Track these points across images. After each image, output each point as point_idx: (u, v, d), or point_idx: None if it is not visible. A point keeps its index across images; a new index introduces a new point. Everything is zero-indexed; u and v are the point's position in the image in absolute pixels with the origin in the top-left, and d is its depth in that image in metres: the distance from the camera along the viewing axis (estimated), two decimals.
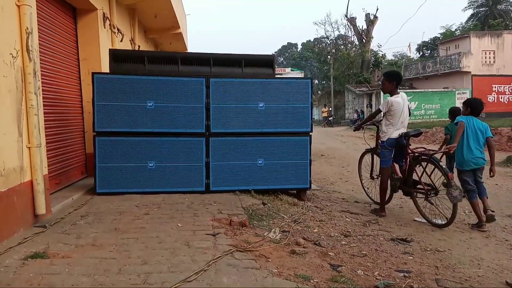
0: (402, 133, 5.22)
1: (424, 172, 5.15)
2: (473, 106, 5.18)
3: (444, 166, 4.78)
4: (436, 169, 4.97)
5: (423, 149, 5.30)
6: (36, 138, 3.90)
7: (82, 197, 5.17)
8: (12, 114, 3.60)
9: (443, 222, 4.85)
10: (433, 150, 5.15)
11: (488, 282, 3.34)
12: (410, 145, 5.37)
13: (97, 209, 4.56)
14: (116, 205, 4.75)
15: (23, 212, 3.74)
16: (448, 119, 7.22)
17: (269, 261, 3.24)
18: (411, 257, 3.82)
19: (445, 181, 5.29)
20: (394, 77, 5.38)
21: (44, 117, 4.31)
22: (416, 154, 5.24)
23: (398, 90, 5.38)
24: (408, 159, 5.31)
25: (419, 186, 5.21)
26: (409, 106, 5.41)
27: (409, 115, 5.44)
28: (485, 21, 40.47)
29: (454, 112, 6.77)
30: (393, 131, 5.23)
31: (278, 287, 2.72)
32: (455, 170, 5.35)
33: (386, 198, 5.49)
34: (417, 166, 5.23)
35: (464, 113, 5.33)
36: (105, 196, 5.13)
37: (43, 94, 4.34)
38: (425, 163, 5.13)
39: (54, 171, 5.12)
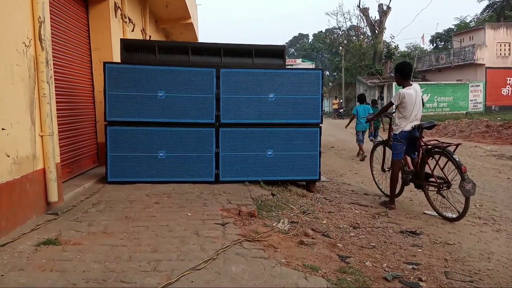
0: (415, 126, 5.16)
1: (437, 165, 5.08)
2: (362, 99, 10.98)
3: (457, 159, 4.70)
4: (448, 162, 4.90)
5: (436, 142, 5.21)
6: (49, 126, 3.95)
7: (93, 185, 5.24)
8: (25, 103, 3.65)
9: (455, 216, 4.80)
10: (447, 143, 5.07)
11: (498, 275, 3.31)
12: (423, 137, 5.29)
13: (108, 198, 4.61)
14: (127, 193, 4.81)
15: (35, 199, 3.80)
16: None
17: (277, 251, 3.25)
18: (420, 250, 3.80)
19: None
20: (399, 69, 5.32)
21: (56, 106, 4.36)
22: (429, 146, 5.16)
23: (411, 82, 5.30)
24: (421, 151, 5.23)
25: (431, 179, 5.14)
26: (422, 98, 5.35)
27: (422, 106, 5.38)
28: (501, 12, 39.62)
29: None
30: (406, 124, 5.17)
31: (286, 277, 2.73)
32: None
33: (397, 191, 5.46)
34: (430, 158, 5.15)
35: (360, 102, 10.92)
36: (116, 185, 5.20)
37: (55, 83, 4.38)
38: (438, 155, 5.05)
39: (66, 160, 5.18)
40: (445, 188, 4.98)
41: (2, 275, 2.57)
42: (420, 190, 5.44)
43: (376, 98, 33.46)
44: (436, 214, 5.05)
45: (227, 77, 5.49)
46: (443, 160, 5.02)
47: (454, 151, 4.85)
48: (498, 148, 11.91)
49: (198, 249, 3.12)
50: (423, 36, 57.20)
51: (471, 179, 4.60)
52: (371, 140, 11.01)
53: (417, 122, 5.21)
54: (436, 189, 5.05)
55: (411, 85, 5.23)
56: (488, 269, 3.44)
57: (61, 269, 2.69)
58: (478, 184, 6.64)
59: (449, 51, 32.77)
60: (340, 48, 45.04)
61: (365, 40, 45.13)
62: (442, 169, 5.02)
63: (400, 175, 5.40)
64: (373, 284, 2.90)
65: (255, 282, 2.62)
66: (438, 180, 5.01)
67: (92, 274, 2.63)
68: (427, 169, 5.20)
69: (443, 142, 5.12)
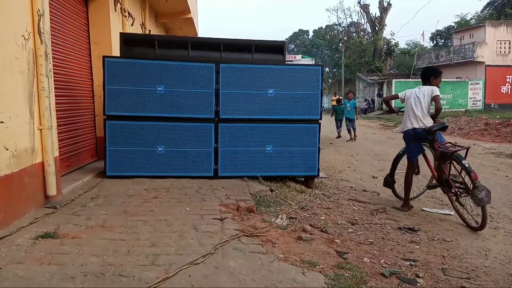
0: (425, 128, 4.91)
1: (455, 170, 4.77)
2: (352, 97, 14.51)
3: (467, 165, 4.47)
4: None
5: (450, 145, 4.92)
6: (48, 120, 3.94)
7: (92, 179, 5.24)
8: (24, 96, 3.64)
9: (476, 225, 4.43)
10: (459, 146, 4.80)
11: (495, 273, 3.33)
12: (437, 140, 4.93)
13: (107, 192, 4.61)
14: (125, 188, 4.80)
15: (34, 193, 3.80)
16: None
17: (275, 246, 3.26)
18: (418, 246, 3.82)
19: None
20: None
21: (55, 99, 4.35)
22: (441, 150, 4.84)
23: (427, 85, 5.11)
24: (436, 156, 4.96)
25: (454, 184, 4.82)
26: (434, 100, 4.94)
27: (436, 109, 4.95)
28: (502, 10, 39.56)
29: (338, 100, 16.24)
30: (406, 124, 5.09)
31: (284, 272, 2.74)
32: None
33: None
34: (445, 163, 4.86)
35: (349, 98, 14.43)
36: (115, 179, 5.19)
37: (54, 77, 4.37)
38: (449, 161, 4.77)
39: (65, 154, 5.18)
40: (464, 195, 4.62)
41: (0, 268, 2.58)
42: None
43: (376, 94, 33.59)
44: (434, 212, 5.06)
45: (227, 72, 5.48)
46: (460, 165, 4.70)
47: (465, 155, 4.61)
48: (496, 146, 11.94)
49: (196, 243, 3.12)
50: (423, 33, 56.90)
51: (483, 186, 4.34)
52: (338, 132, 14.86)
53: (421, 124, 4.95)
54: (455, 197, 4.73)
55: (422, 86, 5.11)
56: (485, 266, 3.46)
57: (59, 262, 2.69)
58: None
59: (449, 49, 32.78)
60: (340, 44, 45.00)
61: (365, 36, 45.10)
62: (460, 174, 4.71)
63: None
64: (371, 280, 2.92)
65: (253, 277, 2.63)
66: (454, 187, 4.70)
67: (90, 267, 2.63)
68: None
69: (455, 145, 4.87)
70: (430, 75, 5.17)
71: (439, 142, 4.94)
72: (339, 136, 14.58)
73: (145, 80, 5.31)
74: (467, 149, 4.78)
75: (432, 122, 4.98)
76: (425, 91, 5.04)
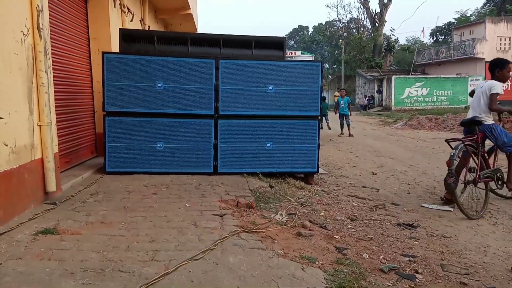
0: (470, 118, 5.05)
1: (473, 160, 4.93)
2: (345, 94, 14.61)
3: (452, 153, 4.71)
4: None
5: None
6: (47, 116, 3.93)
7: (91, 175, 5.24)
8: (23, 92, 3.63)
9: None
10: (469, 137, 4.95)
11: (494, 268, 3.34)
12: (476, 132, 5.01)
13: (106, 188, 4.62)
14: (125, 184, 4.81)
15: (33, 189, 3.80)
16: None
17: (275, 242, 3.27)
18: (417, 242, 3.83)
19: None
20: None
21: (55, 95, 4.34)
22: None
23: (492, 79, 5.09)
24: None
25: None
26: (490, 95, 4.94)
27: (488, 103, 4.99)
28: (502, 6, 39.48)
29: (323, 98, 13.76)
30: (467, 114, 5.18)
31: (283, 268, 2.75)
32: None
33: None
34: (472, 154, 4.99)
35: (342, 95, 14.63)
36: (115, 175, 5.20)
37: (53, 73, 4.37)
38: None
39: (64, 150, 5.18)
40: (471, 185, 4.87)
41: (0, 264, 2.58)
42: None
43: (375, 91, 33.60)
44: (433, 208, 5.07)
45: (226, 68, 5.47)
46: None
47: (468, 145, 4.78)
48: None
49: (196, 239, 3.13)
50: (423, 29, 56.99)
51: (454, 173, 4.61)
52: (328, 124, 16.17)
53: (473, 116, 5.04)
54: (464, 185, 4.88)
55: (489, 81, 5.08)
56: (484, 262, 3.47)
57: (59, 258, 2.70)
58: None
59: (449, 45, 32.73)
60: (340, 40, 44.96)
61: (365, 33, 45.03)
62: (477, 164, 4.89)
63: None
64: (370, 275, 2.92)
65: (252, 272, 2.64)
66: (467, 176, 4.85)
67: (90, 263, 2.63)
68: (472, 164, 5.02)
69: (467, 137, 4.96)
70: (494, 68, 5.05)
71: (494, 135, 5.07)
72: (329, 128, 15.91)
73: (144, 76, 5.31)
74: (457, 139, 4.94)
75: (489, 118, 5.07)
76: (487, 87, 4.98)
